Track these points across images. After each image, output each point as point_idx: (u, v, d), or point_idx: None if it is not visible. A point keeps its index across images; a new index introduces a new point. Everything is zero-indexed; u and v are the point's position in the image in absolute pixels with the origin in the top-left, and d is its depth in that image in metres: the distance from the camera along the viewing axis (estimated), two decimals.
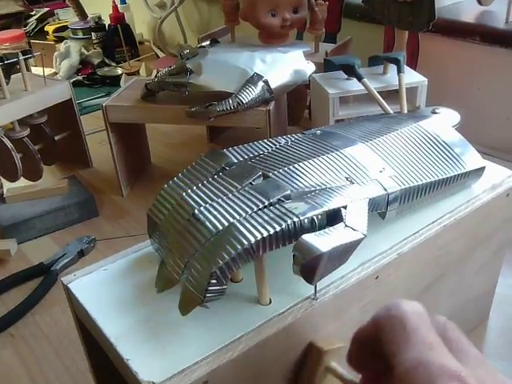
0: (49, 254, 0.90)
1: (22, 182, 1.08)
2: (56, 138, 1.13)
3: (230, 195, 0.46)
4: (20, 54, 1.03)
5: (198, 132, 1.29)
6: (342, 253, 0.43)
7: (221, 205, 0.45)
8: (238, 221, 0.43)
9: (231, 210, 0.44)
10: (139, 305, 0.47)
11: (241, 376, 0.43)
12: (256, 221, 0.43)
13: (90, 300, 0.48)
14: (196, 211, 0.45)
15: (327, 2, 1.12)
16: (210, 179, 0.49)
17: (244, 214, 0.44)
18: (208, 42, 1.04)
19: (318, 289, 0.46)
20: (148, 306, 0.47)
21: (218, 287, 0.42)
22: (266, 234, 0.42)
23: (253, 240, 0.41)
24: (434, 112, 0.86)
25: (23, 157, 1.06)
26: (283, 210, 0.44)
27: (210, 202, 0.46)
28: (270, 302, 0.46)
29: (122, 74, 1.68)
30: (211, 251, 0.42)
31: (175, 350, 0.42)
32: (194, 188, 0.48)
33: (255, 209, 0.44)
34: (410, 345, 0.29)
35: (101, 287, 0.50)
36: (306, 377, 0.46)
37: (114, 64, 1.80)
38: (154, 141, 1.22)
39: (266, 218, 0.43)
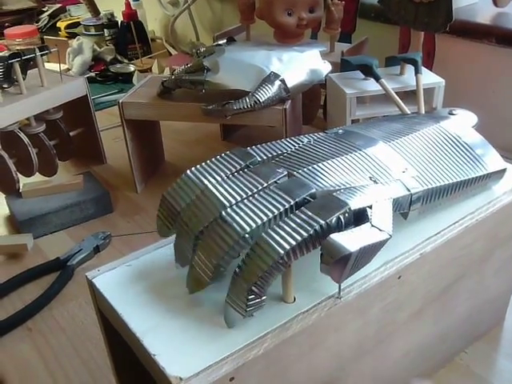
0: (65, 249, 0.91)
1: (38, 178, 1.08)
2: (71, 133, 1.13)
3: (256, 195, 0.46)
4: (37, 49, 1.04)
5: (211, 130, 1.30)
6: (368, 252, 0.43)
7: (247, 205, 0.45)
8: (265, 231, 0.43)
9: (258, 211, 0.45)
10: (165, 300, 0.48)
11: (266, 372, 0.43)
12: (283, 229, 0.43)
13: (114, 295, 0.49)
14: (223, 213, 0.45)
15: (343, 2, 1.12)
16: (236, 174, 0.50)
17: (271, 215, 0.44)
18: (225, 41, 1.05)
19: (341, 288, 0.47)
20: (173, 302, 0.47)
21: (257, 300, 0.42)
22: (294, 243, 0.42)
23: (282, 252, 0.41)
24: (451, 113, 0.86)
25: (39, 152, 1.06)
26: (309, 214, 0.44)
27: (237, 199, 0.46)
28: (295, 300, 0.47)
29: (134, 71, 1.69)
30: (244, 268, 0.42)
31: (202, 347, 0.43)
32: (219, 179, 0.49)
33: (281, 209, 0.45)
34: None
35: (125, 283, 0.50)
36: None
37: (126, 61, 1.81)
38: (167, 138, 1.22)
39: (293, 225, 0.43)
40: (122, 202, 1.07)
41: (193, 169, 0.51)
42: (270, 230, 0.43)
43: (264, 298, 0.43)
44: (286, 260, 0.42)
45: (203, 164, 0.51)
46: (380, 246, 0.44)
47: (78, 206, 0.99)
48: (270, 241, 0.42)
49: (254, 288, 0.42)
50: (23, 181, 1.04)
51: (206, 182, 0.49)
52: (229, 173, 0.50)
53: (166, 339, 0.44)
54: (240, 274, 0.42)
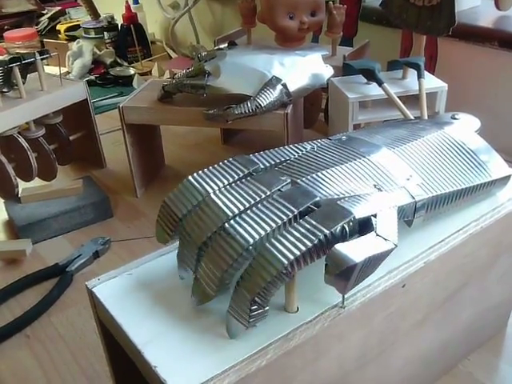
0: (64, 254, 0.90)
1: (37, 182, 1.08)
2: (71, 137, 1.13)
3: (259, 205, 0.46)
4: (37, 53, 1.03)
5: (211, 134, 1.29)
6: (374, 262, 0.42)
7: (250, 216, 0.44)
8: (269, 241, 0.42)
9: (261, 222, 0.44)
10: (166, 311, 0.47)
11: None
12: (287, 239, 0.42)
13: (115, 305, 0.48)
14: (226, 225, 0.44)
15: (345, 6, 1.11)
16: (238, 182, 0.49)
17: (274, 226, 0.43)
18: (226, 44, 1.04)
19: (345, 297, 0.46)
20: (175, 312, 0.46)
21: (260, 311, 0.42)
22: (298, 253, 0.41)
23: (286, 262, 0.40)
24: (453, 118, 0.85)
25: (38, 156, 1.06)
26: (313, 223, 0.43)
27: (240, 209, 0.45)
28: (298, 310, 0.46)
29: (134, 74, 1.68)
30: (247, 279, 0.42)
31: (203, 358, 0.42)
32: (222, 187, 0.48)
33: (285, 219, 0.44)
34: None
35: (126, 292, 0.49)
36: None
37: (126, 64, 1.80)
38: (167, 142, 1.22)
39: (296, 234, 0.42)
40: (122, 206, 1.06)
41: (195, 174, 0.50)
42: (273, 240, 0.42)
43: (267, 308, 0.42)
44: (289, 270, 0.41)
45: (205, 170, 0.50)
46: (385, 256, 0.43)
47: (78, 211, 0.99)
48: (274, 251, 0.41)
49: (257, 299, 0.41)
50: (22, 185, 1.04)
51: (208, 188, 0.48)
52: (231, 180, 0.49)
53: (166, 350, 0.43)
54: (243, 285, 0.42)
